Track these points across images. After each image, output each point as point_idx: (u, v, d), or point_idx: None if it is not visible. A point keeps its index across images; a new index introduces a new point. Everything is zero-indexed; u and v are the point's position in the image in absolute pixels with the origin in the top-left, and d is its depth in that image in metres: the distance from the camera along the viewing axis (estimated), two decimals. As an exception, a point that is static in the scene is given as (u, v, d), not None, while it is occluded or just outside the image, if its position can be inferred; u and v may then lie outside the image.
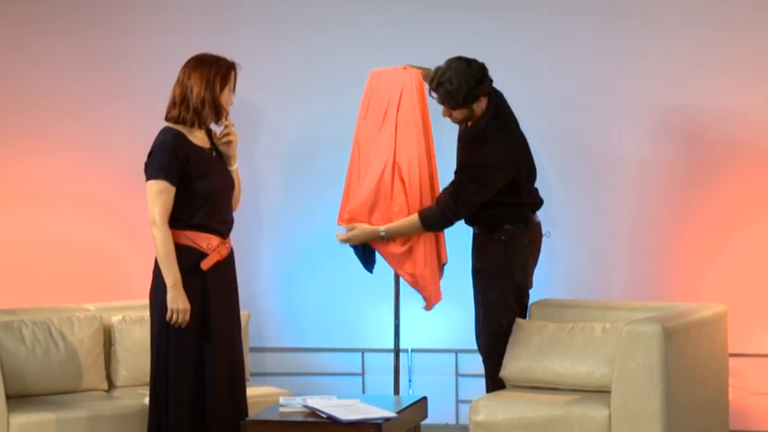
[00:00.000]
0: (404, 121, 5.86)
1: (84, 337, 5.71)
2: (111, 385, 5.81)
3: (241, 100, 5.51)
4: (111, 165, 6.73)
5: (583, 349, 5.47)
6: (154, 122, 5.20)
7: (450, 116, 5.74)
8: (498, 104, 5.74)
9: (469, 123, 5.77)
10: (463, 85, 5.61)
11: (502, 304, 5.71)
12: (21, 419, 5.24)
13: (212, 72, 5.11)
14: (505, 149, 5.68)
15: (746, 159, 6.43)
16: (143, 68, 6.76)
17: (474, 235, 5.85)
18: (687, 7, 6.49)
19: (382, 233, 5.76)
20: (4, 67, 6.77)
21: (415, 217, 5.74)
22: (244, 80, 5.34)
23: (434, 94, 5.71)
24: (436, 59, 5.91)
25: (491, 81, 5.70)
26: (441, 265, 5.94)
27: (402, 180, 5.81)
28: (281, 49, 6.79)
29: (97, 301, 6.12)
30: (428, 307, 5.92)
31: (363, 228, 5.79)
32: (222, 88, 5.13)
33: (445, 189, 5.74)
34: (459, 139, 5.84)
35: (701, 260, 6.48)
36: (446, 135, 6.01)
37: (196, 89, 5.09)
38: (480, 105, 5.69)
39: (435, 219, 5.72)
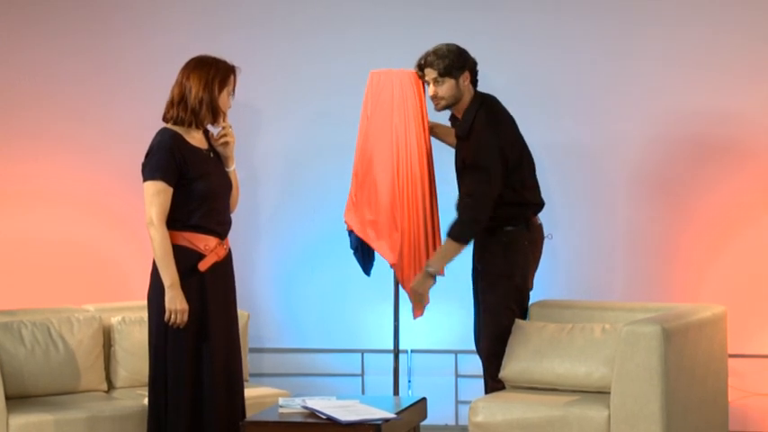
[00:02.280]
0: (402, 121, 5.87)
1: (84, 338, 5.71)
2: (111, 386, 5.80)
3: (240, 101, 5.51)
4: (111, 166, 6.73)
5: (582, 350, 5.47)
6: (154, 123, 5.20)
7: (436, 96, 5.71)
8: (484, 97, 5.76)
9: (458, 117, 5.77)
10: (452, 51, 5.67)
11: (502, 306, 5.71)
12: (20, 420, 5.24)
13: (211, 73, 5.11)
14: (496, 130, 5.67)
15: (745, 160, 6.43)
16: (142, 70, 6.76)
17: (476, 237, 5.84)
18: (686, 10, 6.49)
19: (430, 270, 5.70)
20: (3, 68, 6.77)
21: (446, 240, 5.67)
22: (242, 81, 5.34)
23: (424, 71, 5.71)
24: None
25: (476, 65, 5.73)
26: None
27: (404, 182, 5.84)
28: (279, 51, 6.79)
29: (97, 301, 6.11)
30: (415, 314, 5.93)
31: (417, 278, 5.74)
32: (221, 90, 5.13)
33: (459, 194, 5.73)
34: (458, 137, 5.84)
35: (700, 261, 6.48)
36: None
37: (194, 89, 5.09)
38: (466, 85, 5.70)
39: (461, 228, 5.64)
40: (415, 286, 5.76)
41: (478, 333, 5.82)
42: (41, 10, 6.80)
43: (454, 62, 5.67)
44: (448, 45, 5.71)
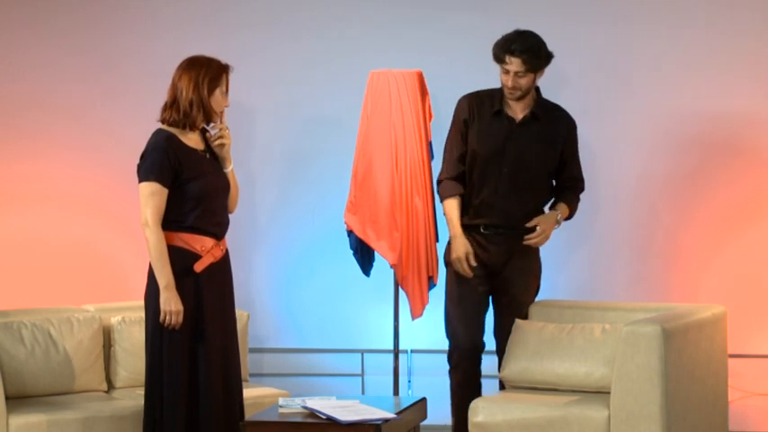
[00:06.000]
0: (402, 121, 5.87)
1: (84, 339, 5.71)
2: (111, 386, 5.80)
3: (239, 101, 5.51)
4: (110, 166, 6.73)
5: (582, 350, 5.47)
6: (154, 124, 5.20)
7: (515, 87, 5.62)
8: None
9: (524, 106, 5.74)
10: (542, 48, 5.62)
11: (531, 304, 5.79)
12: (20, 420, 5.24)
13: (201, 73, 5.07)
14: None
15: (745, 160, 6.44)
16: (140, 70, 6.76)
17: (504, 237, 5.77)
18: (686, 12, 6.50)
19: (560, 218, 5.77)
20: (3, 68, 6.77)
21: (565, 206, 5.77)
22: (241, 82, 5.33)
23: (511, 59, 5.58)
24: (436, 60, 5.92)
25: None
26: (428, 278, 5.96)
27: (404, 182, 5.85)
28: (278, 51, 6.79)
29: (96, 302, 6.11)
30: (413, 315, 5.94)
31: (549, 221, 5.73)
32: (212, 90, 5.09)
33: (568, 175, 5.79)
34: (513, 127, 5.72)
35: (700, 261, 6.48)
36: (444, 134, 6.01)
37: (185, 91, 5.06)
38: (537, 79, 5.70)
39: (578, 203, 5.84)
40: (549, 229, 5.71)
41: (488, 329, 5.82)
42: (41, 10, 6.79)
43: (542, 61, 5.63)
44: (538, 40, 5.62)
